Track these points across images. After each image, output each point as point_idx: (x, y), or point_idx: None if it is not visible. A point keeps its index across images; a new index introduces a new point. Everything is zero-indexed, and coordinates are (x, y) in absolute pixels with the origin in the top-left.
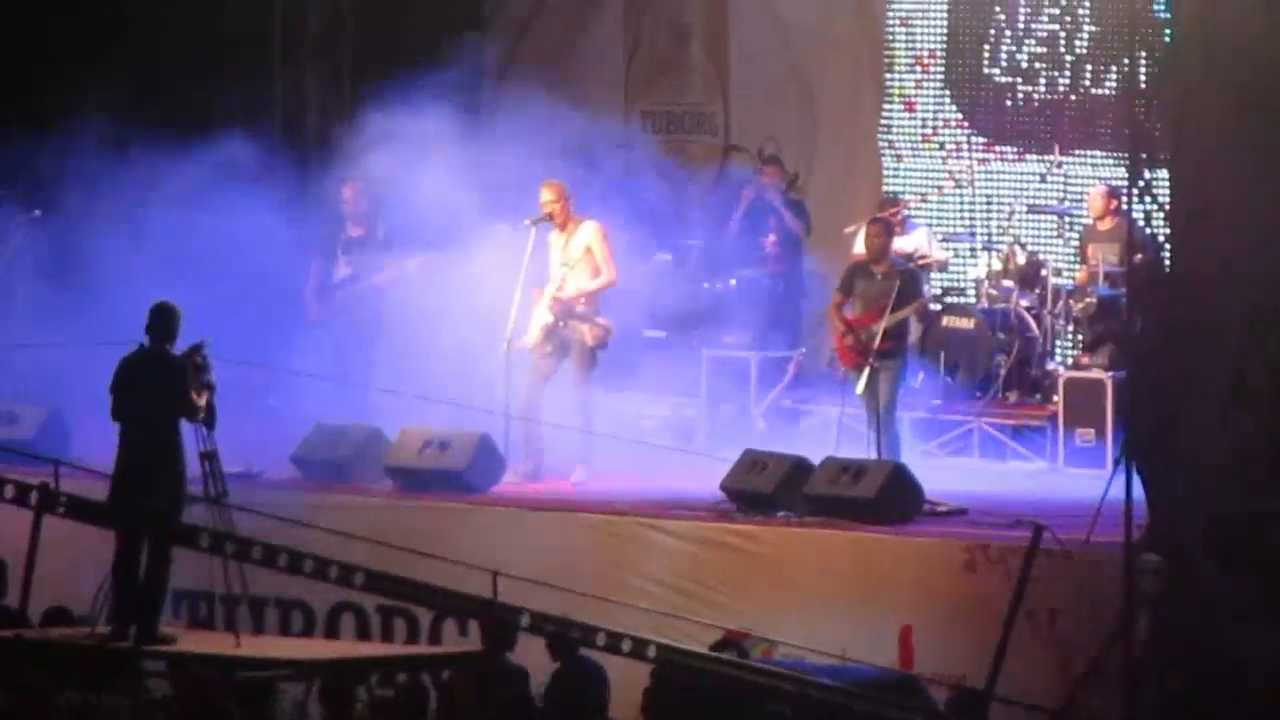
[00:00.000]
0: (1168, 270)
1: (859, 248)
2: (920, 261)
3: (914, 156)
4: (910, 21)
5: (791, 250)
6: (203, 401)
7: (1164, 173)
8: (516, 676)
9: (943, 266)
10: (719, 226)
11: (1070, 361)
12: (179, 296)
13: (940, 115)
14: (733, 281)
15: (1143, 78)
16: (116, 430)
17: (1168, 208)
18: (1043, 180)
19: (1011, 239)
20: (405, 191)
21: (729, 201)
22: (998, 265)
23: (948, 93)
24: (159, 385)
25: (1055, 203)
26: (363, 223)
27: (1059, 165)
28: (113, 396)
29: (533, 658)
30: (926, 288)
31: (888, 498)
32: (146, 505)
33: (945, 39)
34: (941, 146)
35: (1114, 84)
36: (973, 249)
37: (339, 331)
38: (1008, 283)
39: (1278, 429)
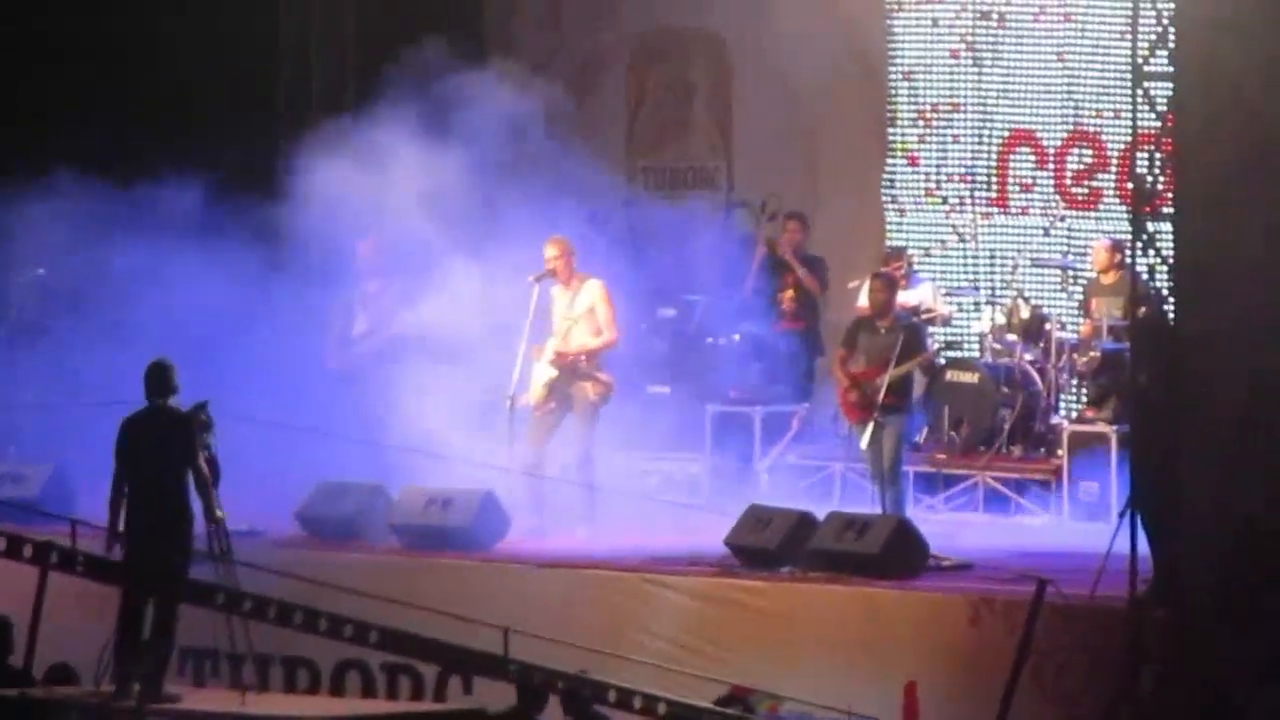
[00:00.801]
0: (1171, 325)
1: (862, 302)
2: (925, 316)
3: (917, 211)
4: (913, 75)
5: (808, 307)
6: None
7: (1168, 226)
8: None
9: (947, 321)
10: (723, 282)
11: (1074, 415)
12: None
13: (944, 170)
14: (736, 337)
15: (1145, 131)
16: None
17: (1171, 261)
18: (1046, 234)
19: (1015, 293)
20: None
21: (737, 257)
22: (1001, 319)
23: (951, 147)
24: (165, 442)
25: (1059, 256)
26: (380, 278)
27: (1062, 219)
28: (118, 459)
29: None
30: (930, 342)
31: (892, 553)
32: (157, 563)
33: (948, 93)
34: (945, 201)
35: (1117, 137)
36: (976, 303)
37: (360, 385)
38: (1011, 337)
39: None
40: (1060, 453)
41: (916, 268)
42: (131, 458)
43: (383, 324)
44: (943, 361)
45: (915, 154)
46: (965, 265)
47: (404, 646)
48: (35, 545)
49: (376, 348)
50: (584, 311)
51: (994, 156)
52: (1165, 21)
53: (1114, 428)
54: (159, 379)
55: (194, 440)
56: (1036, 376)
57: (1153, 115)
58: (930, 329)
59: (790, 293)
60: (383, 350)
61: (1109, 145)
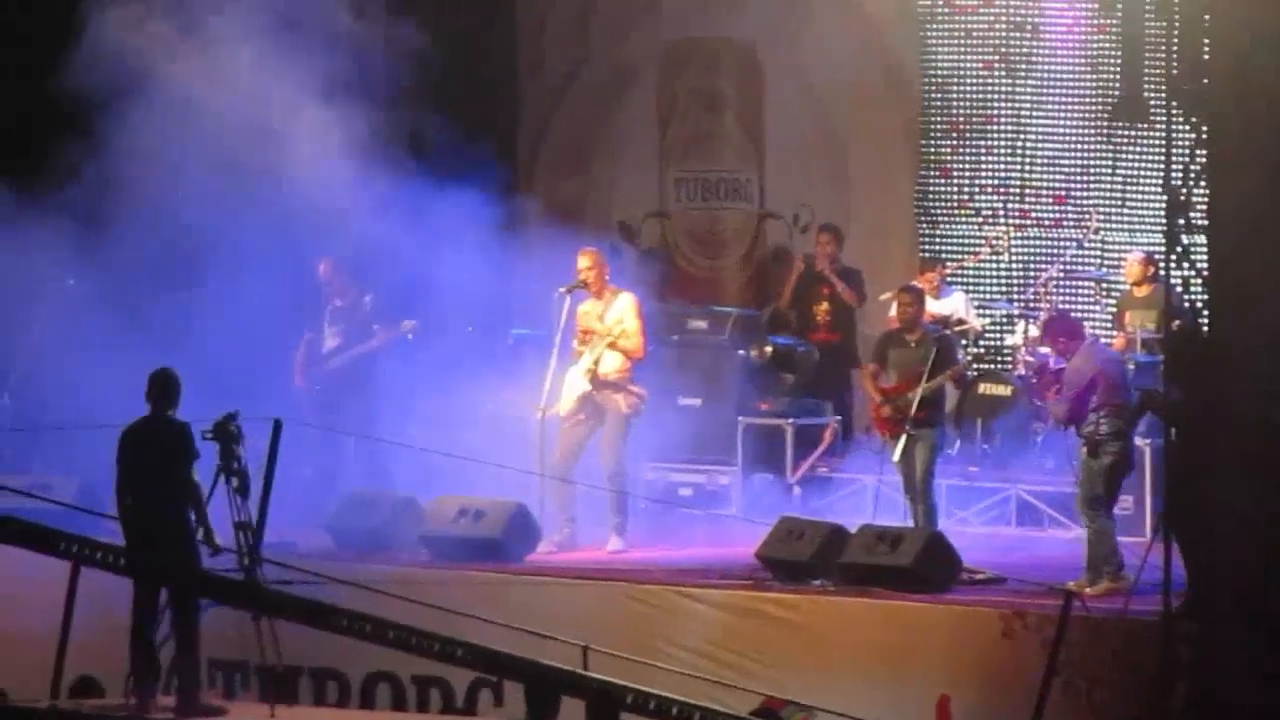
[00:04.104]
0: (1205, 338)
1: (892, 314)
2: (956, 328)
3: (950, 223)
4: (946, 87)
5: (844, 319)
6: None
7: (1202, 239)
8: None
9: (979, 335)
10: (755, 293)
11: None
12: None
13: (977, 181)
14: (768, 349)
15: (1181, 143)
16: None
17: (1205, 274)
18: (1079, 246)
19: (1048, 305)
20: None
21: (770, 269)
22: (1034, 332)
23: (984, 158)
24: (163, 452)
25: (1092, 269)
26: (345, 294)
27: (1096, 231)
28: (118, 468)
29: None
30: (961, 354)
31: (925, 566)
32: (159, 562)
33: (981, 104)
34: (978, 213)
35: (1152, 149)
36: (1009, 315)
37: (325, 400)
38: (1044, 349)
39: None
40: None
41: (950, 279)
42: (130, 466)
43: (354, 339)
44: (974, 374)
45: (948, 165)
46: (998, 277)
47: (489, 664)
48: (76, 541)
49: (349, 361)
50: (615, 323)
51: (1027, 168)
52: (1201, 34)
53: (1147, 441)
54: (162, 388)
55: (191, 451)
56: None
57: (1187, 128)
58: (962, 341)
59: (825, 305)
60: (355, 365)
61: (1143, 157)
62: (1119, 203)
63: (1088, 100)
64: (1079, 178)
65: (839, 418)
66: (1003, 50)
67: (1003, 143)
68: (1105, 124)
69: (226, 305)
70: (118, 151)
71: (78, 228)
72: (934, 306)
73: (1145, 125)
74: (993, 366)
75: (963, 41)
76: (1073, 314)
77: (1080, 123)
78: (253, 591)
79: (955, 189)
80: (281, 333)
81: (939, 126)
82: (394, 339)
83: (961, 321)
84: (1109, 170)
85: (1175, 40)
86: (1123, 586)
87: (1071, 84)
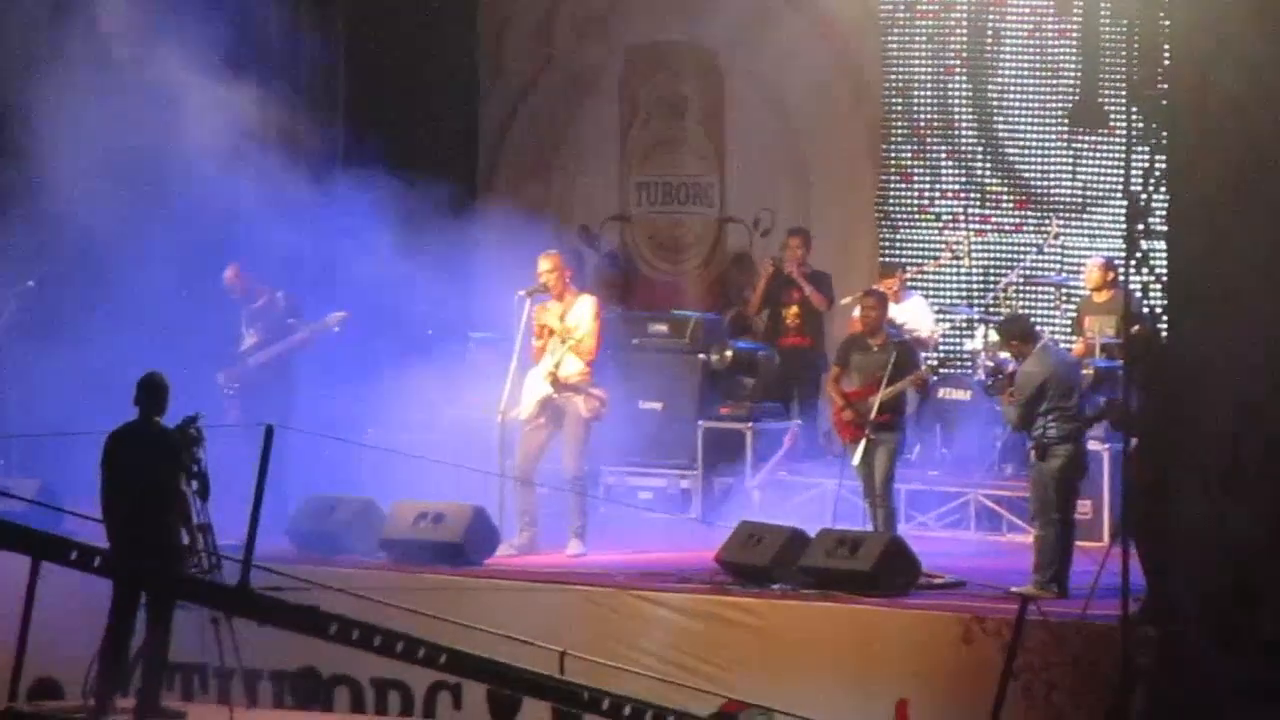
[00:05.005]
0: (1164, 344)
1: (858, 316)
2: (910, 335)
3: (910, 228)
4: (907, 92)
5: (814, 323)
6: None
7: (1162, 244)
8: None
9: (933, 345)
10: (716, 298)
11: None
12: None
13: (938, 186)
14: (729, 353)
15: (1141, 148)
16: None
17: (1165, 280)
18: (1040, 251)
19: (1008, 310)
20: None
21: (731, 273)
22: (995, 337)
23: (945, 163)
24: (148, 458)
25: (1052, 274)
26: (258, 296)
27: (1056, 236)
28: (103, 472)
29: None
30: (922, 359)
31: (884, 570)
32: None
33: (942, 109)
34: (938, 218)
35: (1112, 154)
36: (969, 320)
37: (245, 397)
38: (1004, 354)
39: (1270, 508)
40: None
41: (910, 284)
42: (115, 471)
43: (273, 336)
44: (935, 379)
45: (909, 170)
46: (959, 282)
47: (472, 670)
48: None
49: (273, 356)
50: (573, 327)
51: (988, 173)
52: (1160, 39)
53: (1106, 446)
54: (151, 394)
55: (178, 458)
56: None
57: (1147, 132)
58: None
59: (795, 309)
60: (275, 364)
61: (1103, 163)
62: (1079, 208)
63: (1048, 105)
64: (1039, 183)
65: (799, 422)
66: (964, 55)
67: (964, 148)
68: (1066, 129)
69: (144, 307)
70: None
71: None
72: (891, 311)
73: (1105, 131)
74: (953, 371)
75: (924, 47)
76: (1032, 319)
77: (1040, 128)
78: (247, 598)
79: (916, 194)
80: (197, 334)
81: (900, 131)
82: (322, 333)
83: (913, 331)
84: (1069, 175)
85: (1135, 45)
86: (1046, 597)
87: (1032, 89)
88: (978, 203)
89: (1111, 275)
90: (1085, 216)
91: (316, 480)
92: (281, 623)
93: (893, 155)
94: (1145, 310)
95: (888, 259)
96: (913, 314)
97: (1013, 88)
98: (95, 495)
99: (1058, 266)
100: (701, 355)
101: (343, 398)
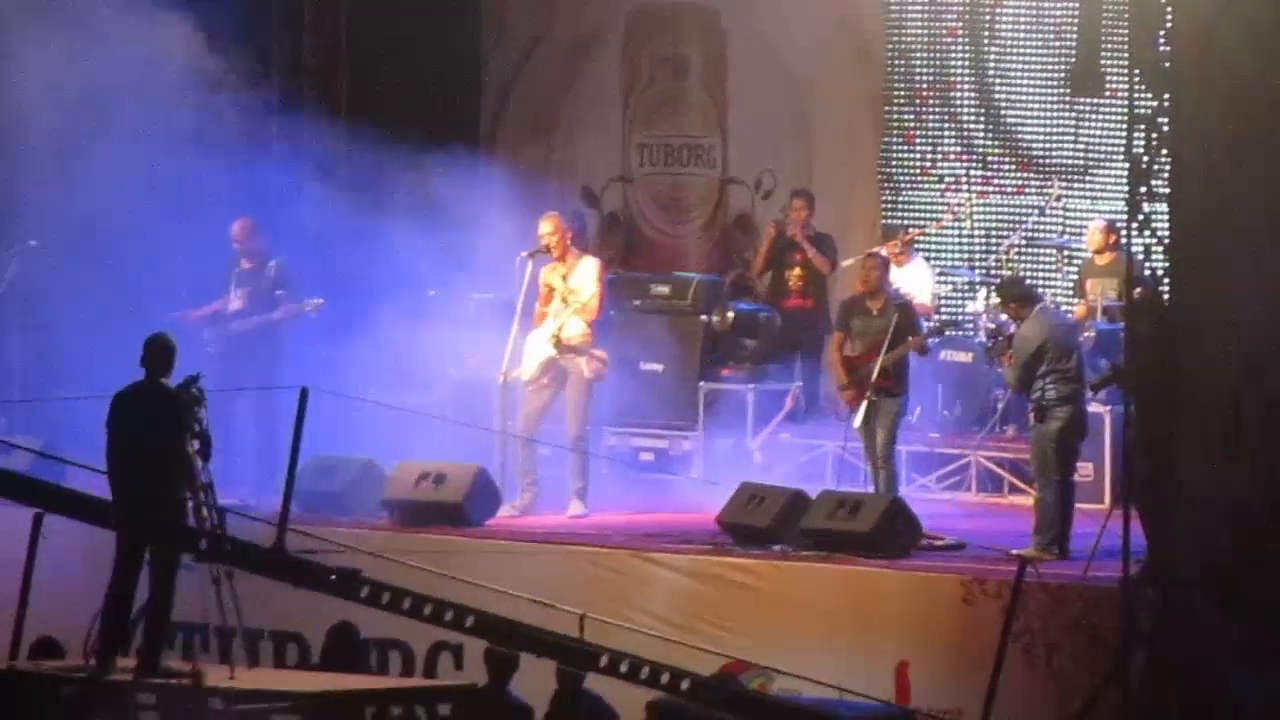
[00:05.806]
0: (1166, 306)
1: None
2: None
3: (912, 189)
4: (910, 54)
5: (817, 285)
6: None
7: (1164, 207)
8: (520, 713)
9: (933, 310)
10: (718, 259)
11: None
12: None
13: (940, 148)
14: (730, 315)
15: (1143, 110)
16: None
17: (1167, 243)
18: (1042, 214)
19: (1010, 272)
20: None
21: (733, 235)
22: (996, 299)
23: (947, 125)
24: (153, 419)
25: (1054, 236)
26: (254, 258)
27: (1058, 199)
28: (109, 431)
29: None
30: (923, 322)
31: (885, 532)
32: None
33: (945, 71)
34: (940, 180)
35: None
36: (971, 283)
37: (224, 361)
38: (1005, 316)
39: (1271, 472)
40: None
41: (917, 243)
42: (120, 431)
43: (256, 305)
44: (936, 342)
45: (911, 132)
46: (960, 244)
47: (496, 632)
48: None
49: (251, 327)
50: (577, 288)
51: (990, 135)
52: (1163, 2)
53: (1108, 408)
54: (158, 354)
55: (183, 420)
56: None
57: (1149, 95)
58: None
59: (798, 271)
60: (258, 330)
61: (1105, 125)
62: (1081, 170)
63: (1050, 68)
64: (1041, 145)
65: (801, 384)
66: (967, 17)
67: (966, 110)
68: (1068, 92)
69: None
70: None
71: None
72: (896, 275)
73: (1108, 93)
74: (954, 333)
75: (927, 8)
76: (1031, 281)
77: (1043, 91)
78: (280, 560)
79: (918, 156)
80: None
81: (902, 93)
82: (298, 316)
83: (911, 298)
84: (1071, 138)
85: (1137, 6)
86: (1046, 559)
87: (1034, 51)
88: (979, 165)
89: (1113, 238)
90: (1087, 179)
91: (314, 442)
92: (318, 586)
93: (895, 117)
94: (1147, 273)
95: (889, 221)
96: (913, 280)
97: (1014, 50)
98: (100, 455)
99: (1059, 229)
100: (703, 316)
101: (343, 361)
